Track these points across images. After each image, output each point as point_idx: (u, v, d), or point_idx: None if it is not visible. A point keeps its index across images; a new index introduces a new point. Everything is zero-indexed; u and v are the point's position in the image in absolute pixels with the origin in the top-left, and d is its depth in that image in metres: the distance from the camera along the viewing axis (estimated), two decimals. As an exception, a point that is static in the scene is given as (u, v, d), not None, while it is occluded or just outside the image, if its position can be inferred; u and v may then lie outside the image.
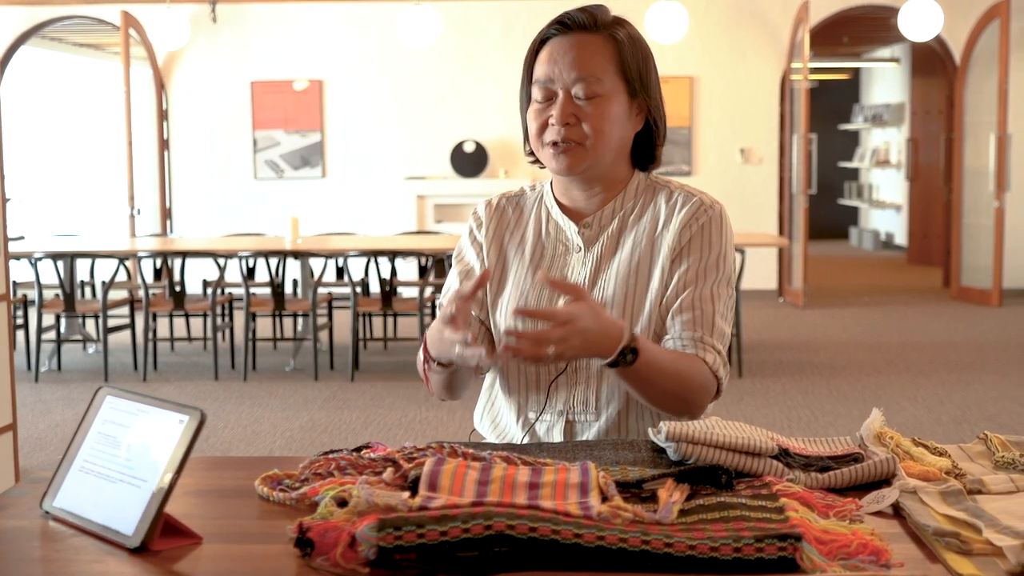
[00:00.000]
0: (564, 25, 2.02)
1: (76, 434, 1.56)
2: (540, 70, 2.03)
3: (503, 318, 2.10)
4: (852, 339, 9.09)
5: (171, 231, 11.44)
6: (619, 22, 2.05)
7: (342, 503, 1.47)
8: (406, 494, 1.45)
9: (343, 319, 9.27)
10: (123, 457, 1.48)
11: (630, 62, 2.01)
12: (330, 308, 8.25)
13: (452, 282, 2.18)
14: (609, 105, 1.99)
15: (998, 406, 6.62)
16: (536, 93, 2.04)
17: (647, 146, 2.11)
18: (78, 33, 12.77)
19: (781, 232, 11.40)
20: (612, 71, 2.00)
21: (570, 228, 2.11)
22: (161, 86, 11.40)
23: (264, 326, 9.58)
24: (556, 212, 2.13)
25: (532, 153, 2.11)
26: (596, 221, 2.10)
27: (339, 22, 11.30)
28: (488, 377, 2.20)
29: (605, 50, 2.00)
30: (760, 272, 11.16)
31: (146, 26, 11.03)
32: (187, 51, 11.32)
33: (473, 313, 2.13)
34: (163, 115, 11.46)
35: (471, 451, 1.66)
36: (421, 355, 2.08)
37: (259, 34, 11.35)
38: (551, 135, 2.01)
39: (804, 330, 9.58)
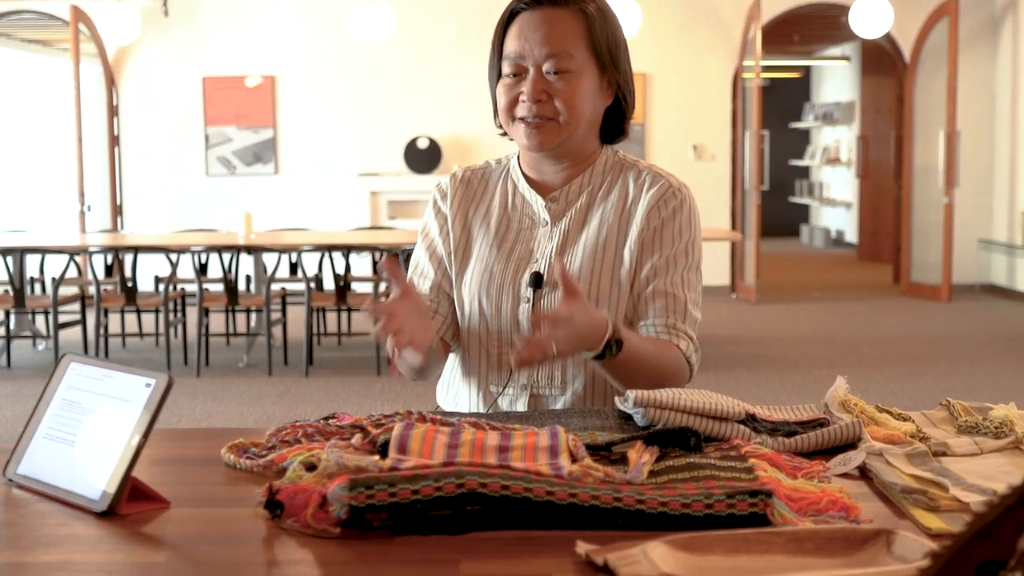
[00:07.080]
0: None
1: (39, 402, 1.54)
2: (510, 45, 2.00)
3: (468, 292, 2.08)
4: (804, 334, 9.17)
5: (122, 228, 11.32)
6: None
7: (311, 467, 1.46)
8: (376, 457, 1.44)
9: (297, 314, 9.21)
10: (89, 422, 1.46)
11: (600, 37, 1.99)
12: (284, 303, 8.20)
13: (420, 258, 2.16)
14: (580, 81, 1.98)
15: (949, 398, 6.67)
16: (506, 68, 2.01)
17: (616, 119, 2.10)
18: (26, 29, 12.61)
19: (734, 229, 11.47)
20: (583, 47, 1.98)
21: (537, 202, 2.09)
22: (111, 82, 11.29)
23: (217, 322, 9.50)
24: (523, 185, 2.12)
25: (502, 126, 2.10)
26: (563, 196, 2.08)
27: (292, 17, 11.24)
28: (451, 354, 2.18)
29: (575, 25, 1.98)
30: (713, 268, 11.22)
31: (96, 21, 10.91)
32: (138, 46, 11.21)
33: (430, 283, 2.12)
34: (113, 111, 11.34)
35: (439, 417, 1.66)
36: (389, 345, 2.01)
37: (211, 29, 11.26)
38: (522, 111, 1.99)
39: (757, 325, 9.65)
